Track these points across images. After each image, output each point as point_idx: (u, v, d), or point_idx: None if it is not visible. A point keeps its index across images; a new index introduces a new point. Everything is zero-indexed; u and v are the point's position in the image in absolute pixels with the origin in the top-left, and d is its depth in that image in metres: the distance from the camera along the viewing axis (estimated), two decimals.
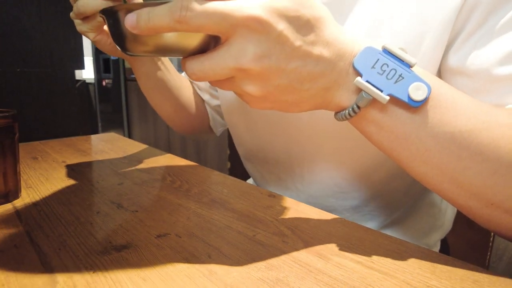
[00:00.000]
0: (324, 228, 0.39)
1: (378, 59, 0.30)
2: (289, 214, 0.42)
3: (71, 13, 0.48)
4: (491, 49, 0.37)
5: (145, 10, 0.28)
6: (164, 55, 0.34)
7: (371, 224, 0.56)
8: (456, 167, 0.31)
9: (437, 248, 0.62)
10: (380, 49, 0.31)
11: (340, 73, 0.31)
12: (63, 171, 0.58)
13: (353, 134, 0.45)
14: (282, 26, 0.27)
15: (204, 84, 0.72)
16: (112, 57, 3.26)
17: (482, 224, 0.35)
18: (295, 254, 0.33)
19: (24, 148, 0.74)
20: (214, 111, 0.74)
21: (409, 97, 0.30)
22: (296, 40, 0.28)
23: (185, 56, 0.31)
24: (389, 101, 0.31)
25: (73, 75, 1.06)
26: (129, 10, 0.29)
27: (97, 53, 3.37)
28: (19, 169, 0.47)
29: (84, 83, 1.18)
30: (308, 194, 0.57)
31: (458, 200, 0.34)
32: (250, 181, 0.77)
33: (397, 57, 0.30)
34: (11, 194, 0.45)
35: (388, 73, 0.30)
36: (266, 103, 0.32)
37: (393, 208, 0.57)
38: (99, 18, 0.48)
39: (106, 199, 0.47)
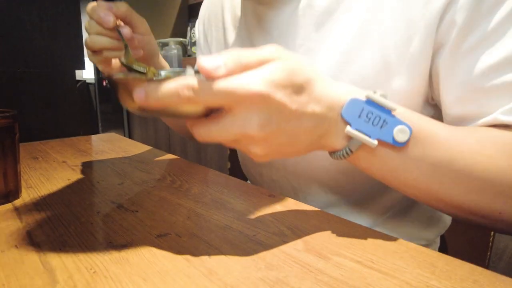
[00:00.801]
0: (324, 228, 0.39)
1: (363, 108, 0.34)
2: (289, 214, 0.42)
3: (84, 44, 0.52)
4: (474, 63, 0.40)
5: (153, 87, 0.30)
6: (167, 117, 0.36)
7: (371, 217, 0.57)
8: (439, 189, 0.37)
9: (436, 245, 0.62)
10: (364, 98, 0.34)
11: (330, 123, 0.34)
12: (63, 171, 0.58)
13: None
14: (280, 95, 0.30)
15: None
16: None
17: (466, 223, 0.41)
18: (295, 254, 0.33)
19: (24, 148, 0.74)
20: None
21: (394, 140, 0.34)
22: (293, 103, 0.31)
23: (188, 119, 0.33)
24: (377, 144, 0.34)
25: (74, 75, 1.06)
26: (133, 82, 0.32)
27: None
28: (20, 169, 0.47)
29: (84, 83, 1.18)
30: (307, 193, 0.57)
31: (444, 211, 0.40)
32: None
33: (379, 104, 0.34)
34: (12, 194, 0.45)
35: (374, 120, 0.34)
36: (268, 157, 0.35)
37: (393, 202, 0.57)
38: (106, 54, 0.51)
39: (106, 199, 0.47)
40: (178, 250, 0.34)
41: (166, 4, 3.06)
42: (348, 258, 0.33)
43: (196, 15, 3.15)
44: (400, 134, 0.34)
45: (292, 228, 0.39)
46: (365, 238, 0.36)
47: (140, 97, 0.30)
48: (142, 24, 0.55)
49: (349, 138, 0.35)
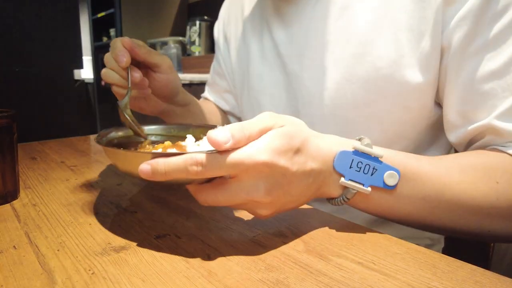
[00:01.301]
0: (324, 228, 0.39)
1: (352, 159, 0.36)
2: (289, 215, 0.42)
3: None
4: (476, 66, 0.42)
5: (161, 163, 0.31)
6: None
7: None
8: (432, 219, 0.40)
9: (441, 245, 0.62)
10: (351, 149, 0.36)
11: (325, 176, 0.37)
12: (62, 172, 0.58)
13: (358, 119, 0.52)
14: (283, 161, 0.33)
15: (230, 108, 0.80)
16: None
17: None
18: (295, 255, 0.33)
19: (22, 148, 0.74)
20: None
21: (384, 184, 0.37)
22: (293, 166, 0.34)
23: (190, 185, 0.35)
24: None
25: (72, 75, 1.06)
26: (131, 155, 0.34)
27: (96, 52, 3.36)
28: (18, 169, 0.46)
29: (83, 83, 1.18)
30: None
31: (439, 234, 0.45)
32: None
33: (366, 154, 0.36)
34: (10, 194, 0.45)
35: (364, 169, 0.37)
36: (273, 215, 0.37)
37: None
38: (115, 88, 0.52)
39: (105, 199, 0.46)
40: (177, 251, 0.34)
41: (166, 3, 3.06)
42: (349, 259, 0.33)
43: (195, 14, 3.14)
44: (389, 178, 0.37)
45: (292, 229, 0.38)
46: (366, 239, 0.36)
47: (147, 173, 0.31)
48: (163, 63, 0.55)
49: (344, 187, 0.37)
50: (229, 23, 0.74)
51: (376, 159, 0.37)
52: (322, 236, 0.37)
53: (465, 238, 0.44)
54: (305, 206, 0.45)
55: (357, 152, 0.36)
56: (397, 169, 0.37)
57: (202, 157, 0.31)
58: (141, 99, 0.58)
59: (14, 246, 0.34)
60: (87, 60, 3.41)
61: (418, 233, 0.58)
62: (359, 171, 0.36)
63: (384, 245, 0.35)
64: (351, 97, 0.51)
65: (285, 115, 0.37)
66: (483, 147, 0.44)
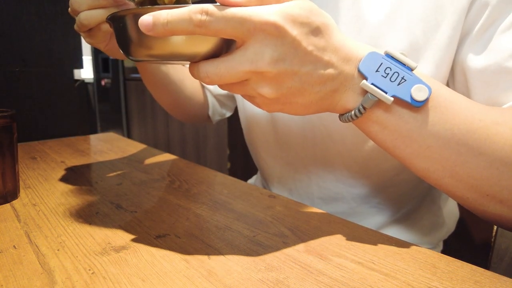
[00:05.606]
0: (324, 228, 0.39)
1: (381, 63, 0.32)
2: (289, 215, 0.42)
3: (75, 26, 0.46)
4: (506, 43, 0.39)
5: (164, 12, 0.29)
6: (171, 60, 0.34)
7: (378, 218, 0.56)
8: (455, 161, 0.34)
9: (439, 249, 0.62)
10: (383, 53, 0.33)
11: (346, 77, 0.33)
12: (61, 171, 0.58)
13: None
14: (296, 31, 0.29)
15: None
16: (111, 57, 3.24)
17: (478, 214, 0.37)
18: (295, 255, 0.33)
19: (22, 148, 0.74)
20: (216, 100, 0.75)
21: (411, 98, 0.32)
22: (309, 45, 0.30)
23: (193, 62, 0.32)
24: (393, 101, 0.33)
25: (72, 74, 1.06)
26: (138, 15, 0.30)
27: (96, 52, 3.36)
28: (18, 169, 0.46)
29: (83, 82, 1.18)
30: (319, 177, 0.57)
31: (457, 193, 0.36)
32: (250, 181, 0.77)
33: (399, 61, 0.32)
34: (10, 194, 0.45)
35: (392, 76, 0.32)
36: (277, 105, 0.33)
37: (402, 202, 0.56)
38: (105, 28, 0.45)
39: (105, 199, 0.46)
40: (177, 251, 0.34)
41: None
42: (349, 259, 0.33)
43: None
44: (418, 92, 0.32)
45: (292, 229, 0.38)
46: (366, 239, 0.36)
47: (147, 23, 0.29)
48: None
49: (364, 94, 0.33)
50: None
51: (408, 69, 0.32)
52: (322, 236, 0.37)
53: (486, 210, 0.35)
54: (305, 207, 0.45)
55: (389, 56, 0.32)
56: (429, 86, 0.32)
57: (209, 6, 0.28)
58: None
59: (14, 246, 0.34)
60: (87, 60, 3.41)
61: (417, 238, 0.58)
62: (385, 77, 0.32)
63: (384, 245, 0.35)
64: None
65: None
66: None
